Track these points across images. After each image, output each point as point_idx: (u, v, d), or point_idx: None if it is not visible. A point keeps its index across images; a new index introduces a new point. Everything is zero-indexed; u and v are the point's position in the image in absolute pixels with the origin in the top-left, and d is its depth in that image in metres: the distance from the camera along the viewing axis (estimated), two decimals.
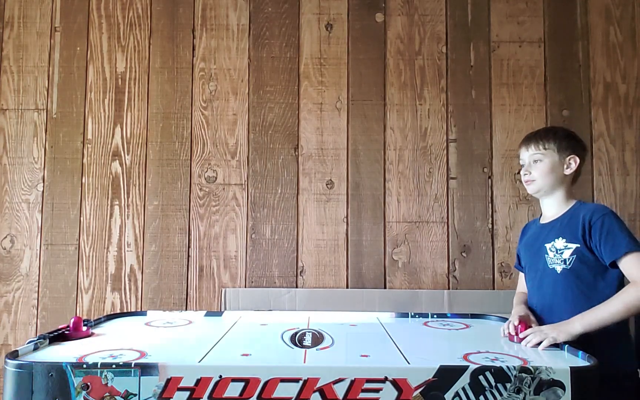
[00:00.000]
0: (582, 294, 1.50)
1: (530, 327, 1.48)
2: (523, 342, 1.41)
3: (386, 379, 1.09)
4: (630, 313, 1.40)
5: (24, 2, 2.40)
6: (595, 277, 1.50)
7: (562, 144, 1.61)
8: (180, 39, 2.40)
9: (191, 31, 2.40)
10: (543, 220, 1.68)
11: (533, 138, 1.65)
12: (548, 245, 1.59)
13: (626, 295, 1.41)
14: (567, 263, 1.53)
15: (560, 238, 1.56)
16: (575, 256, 1.52)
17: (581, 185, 2.30)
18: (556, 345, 1.35)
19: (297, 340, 1.44)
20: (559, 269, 1.54)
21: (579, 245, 1.51)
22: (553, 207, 1.64)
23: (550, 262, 1.57)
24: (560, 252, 1.55)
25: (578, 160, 1.61)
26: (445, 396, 1.09)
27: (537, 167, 1.63)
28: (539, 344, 1.37)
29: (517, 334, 1.46)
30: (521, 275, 1.79)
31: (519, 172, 2.32)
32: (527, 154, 1.66)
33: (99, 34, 2.40)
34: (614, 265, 1.46)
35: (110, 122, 2.37)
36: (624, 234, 1.46)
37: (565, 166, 1.61)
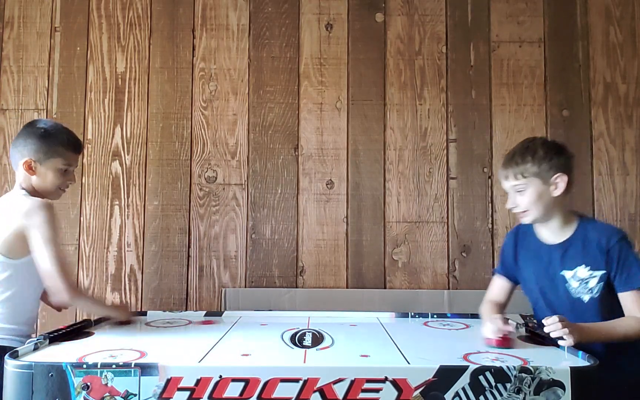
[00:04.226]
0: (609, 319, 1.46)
1: (508, 338, 1.40)
2: (546, 324, 1.35)
3: (386, 379, 1.09)
4: (627, 340, 1.42)
5: (24, 2, 2.40)
6: (618, 302, 1.47)
7: (542, 165, 1.48)
8: (180, 39, 2.40)
9: (191, 31, 2.40)
10: (545, 240, 1.59)
11: (510, 166, 1.52)
12: (568, 274, 1.51)
13: (629, 328, 1.41)
14: (595, 291, 1.48)
15: (583, 266, 1.48)
16: (602, 283, 1.47)
17: (581, 186, 2.31)
18: (556, 345, 1.35)
19: (297, 340, 1.44)
20: (586, 297, 1.49)
21: (604, 272, 1.46)
22: (554, 232, 1.56)
23: (574, 292, 1.50)
24: (585, 282, 1.48)
25: (566, 177, 1.49)
26: (445, 396, 1.09)
27: (523, 197, 1.51)
28: (558, 335, 1.33)
29: (504, 339, 1.38)
30: (499, 281, 1.70)
31: None
32: (508, 184, 1.54)
33: (99, 34, 2.40)
34: None
35: (110, 122, 2.37)
36: (637, 266, 1.44)
37: (552, 188, 1.49)
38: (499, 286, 1.71)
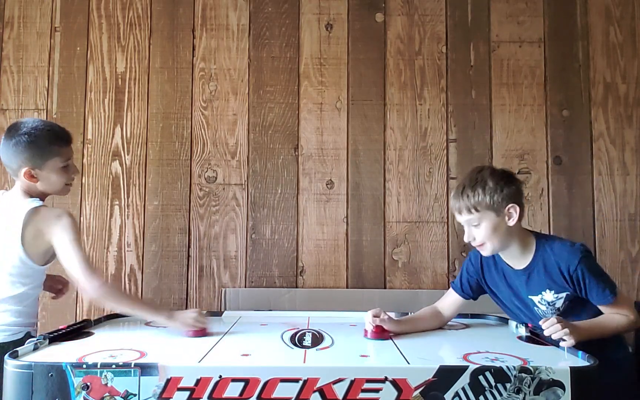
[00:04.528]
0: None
1: (387, 331, 1.48)
2: (545, 326, 1.38)
3: (386, 379, 1.09)
4: (617, 334, 1.49)
5: (24, 2, 2.39)
6: (581, 310, 1.52)
7: (493, 198, 1.48)
8: (180, 39, 2.40)
9: (191, 31, 2.40)
10: (509, 262, 1.59)
11: (462, 200, 1.51)
12: (535, 299, 1.55)
13: (619, 324, 1.46)
14: (561, 308, 1.53)
15: (548, 290, 1.52)
16: (567, 301, 1.52)
17: (581, 186, 2.31)
18: (556, 345, 1.35)
19: (297, 340, 1.44)
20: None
21: (569, 292, 1.50)
22: (514, 257, 1.57)
23: (542, 313, 1.55)
24: (552, 304, 1.53)
25: (517, 207, 1.49)
26: (445, 396, 1.09)
27: (479, 230, 1.51)
28: (559, 337, 1.35)
29: (377, 331, 1.47)
30: (453, 296, 1.70)
31: (519, 172, 2.32)
32: (463, 220, 1.54)
33: (99, 34, 2.40)
34: None
35: (110, 122, 2.37)
36: (603, 280, 1.47)
37: (507, 218, 1.49)
38: (451, 300, 1.70)
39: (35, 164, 1.56)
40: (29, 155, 1.56)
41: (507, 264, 1.60)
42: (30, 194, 1.60)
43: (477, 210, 1.49)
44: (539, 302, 1.54)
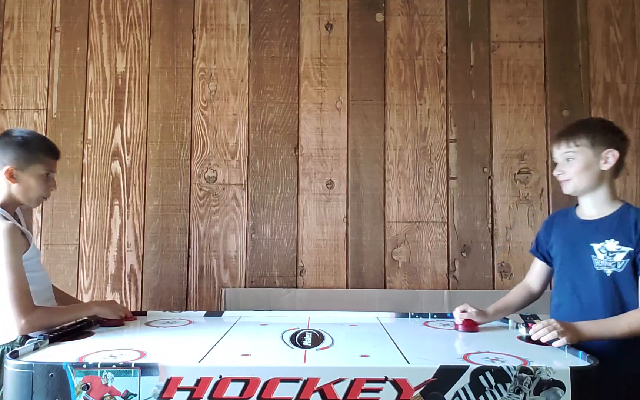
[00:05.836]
0: (624, 299, 1.45)
1: (476, 323, 1.57)
2: (532, 332, 1.39)
3: (386, 379, 1.10)
4: (632, 335, 1.41)
5: (24, 2, 2.40)
6: (624, 299, 1.46)
7: (596, 138, 1.50)
8: (180, 39, 2.40)
9: (191, 31, 2.40)
10: (583, 216, 1.58)
11: (564, 135, 1.56)
12: (596, 246, 1.50)
13: (633, 320, 1.41)
14: (619, 266, 1.46)
15: (612, 239, 1.48)
16: (628, 260, 1.45)
17: None
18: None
19: (297, 340, 1.44)
20: (608, 271, 1.47)
21: (632, 249, 1.45)
22: (595, 206, 1.55)
23: (598, 263, 1.49)
24: (611, 255, 1.47)
25: (617, 153, 1.49)
26: (445, 396, 1.09)
27: (571, 165, 1.53)
28: (549, 339, 1.35)
29: (466, 324, 1.58)
30: (536, 264, 1.73)
31: (519, 172, 2.33)
32: (559, 152, 1.57)
33: (99, 34, 2.40)
34: None
35: (110, 122, 2.37)
36: None
37: (602, 161, 1.50)
38: (536, 270, 1.73)
39: (19, 166, 1.62)
40: (16, 155, 1.62)
41: (578, 217, 1.59)
42: (2, 199, 1.62)
43: (576, 145, 1.52)
44: (598, 249, 1.49)
